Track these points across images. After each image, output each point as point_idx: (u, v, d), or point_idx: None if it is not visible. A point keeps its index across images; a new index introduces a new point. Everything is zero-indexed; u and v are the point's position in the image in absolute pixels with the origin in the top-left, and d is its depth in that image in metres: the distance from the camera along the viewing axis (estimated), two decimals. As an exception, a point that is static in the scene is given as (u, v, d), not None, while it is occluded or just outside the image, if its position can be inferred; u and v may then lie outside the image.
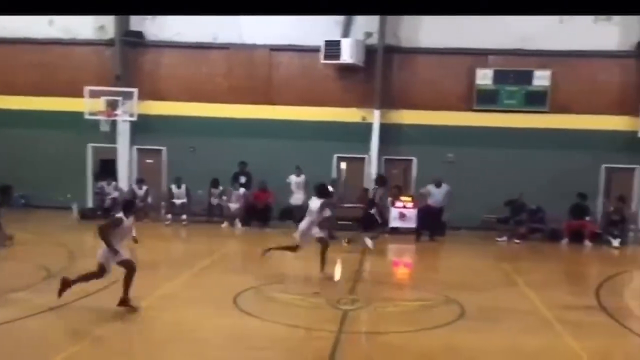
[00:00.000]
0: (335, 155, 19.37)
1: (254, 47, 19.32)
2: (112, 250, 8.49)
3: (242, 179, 18.41)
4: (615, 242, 16.61)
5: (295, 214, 18.10)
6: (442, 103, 18.76)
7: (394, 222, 17.48)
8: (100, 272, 8.60)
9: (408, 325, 8.50)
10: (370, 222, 15.40)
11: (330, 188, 12.42)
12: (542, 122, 18.34)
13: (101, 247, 8.61)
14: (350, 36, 18.64)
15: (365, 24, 18.72)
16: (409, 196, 18.04)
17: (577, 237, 16.93)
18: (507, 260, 14.36)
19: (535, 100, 18.43)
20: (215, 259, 13.78)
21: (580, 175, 17.75)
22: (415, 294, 10.95)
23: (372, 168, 19.03)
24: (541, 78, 18.42)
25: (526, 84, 18.51)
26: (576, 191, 17.16)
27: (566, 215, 17.17)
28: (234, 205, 18.03)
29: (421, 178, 18.69)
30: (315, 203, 11.66)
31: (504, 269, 13.32)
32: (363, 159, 19.25)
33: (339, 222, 16.95)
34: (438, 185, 16.96)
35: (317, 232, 11.67)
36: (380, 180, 16.09)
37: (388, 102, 19.00)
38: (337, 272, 12.11)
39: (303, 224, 11.60)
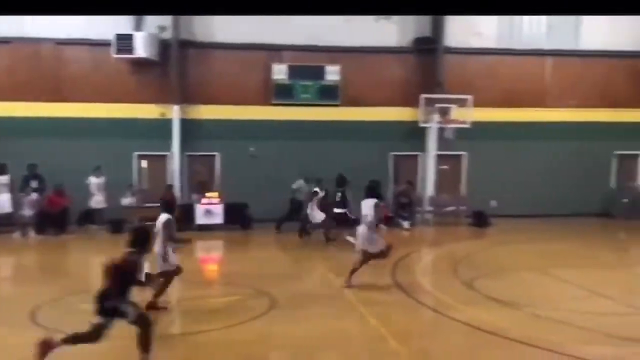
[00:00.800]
0: (136, 154, 18.81)
1: (38, 41, 18.13)
2: (167, 254, 8.94)
3: (34, 183, 17.12)
4: (406, 224, 18.17)
5: (96, 217, 17.38)
6: (241, 98, 19.04)
7: (200, 219, 17.44)
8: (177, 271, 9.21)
9: (220, 322, 8.58)
10: (344, 221, 15.56)
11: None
12: (335, 115, 19.40)
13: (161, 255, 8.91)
14: (143, 30, 18.16)
15: (158, 18, 18.31)
16: (215, 192, 18.09)
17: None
18: (313, 249, 15.03)
19: (328, 94, 19.42)
20: (6, 272, 12.78)
21: (372, 163, 19.07)
22: (226, 290, 11.09)
23: (175, 165, 18.80)
24: (332, 73, 19.44)
25: (319, 79, 19.42)
26: (369, 178, 18.36)
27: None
28: (26, 212, 16.74)
29: (225, 173, 18.91)
30: (368, 204, 10.88)
31: (310, 258, 13.95)
32: (165, 156, 18.91)
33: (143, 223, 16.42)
34: (307, 181, 17.44)
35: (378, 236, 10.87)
36: (341, 180, 16.09)
37: (187, 97, 18.86)
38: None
39: (361, 229, 10.76)
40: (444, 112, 19.23)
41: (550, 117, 20.27)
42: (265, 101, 19.28)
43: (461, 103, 19.07)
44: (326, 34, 18.96)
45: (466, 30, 19.79)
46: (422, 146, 19.98)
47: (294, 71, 19.28)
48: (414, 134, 19.68)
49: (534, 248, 15.44)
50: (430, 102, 19.19)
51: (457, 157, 20.38)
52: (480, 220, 18.79)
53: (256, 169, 18.72)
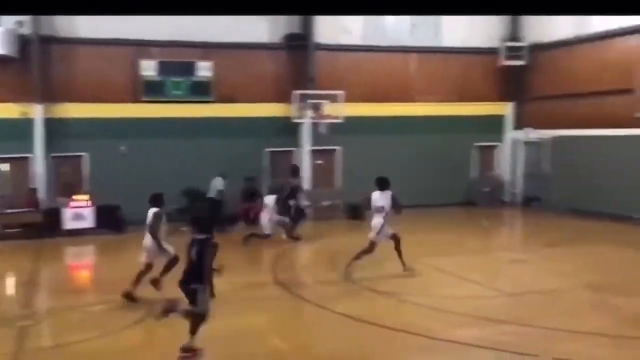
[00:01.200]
0: (-7, 156, 17.61)
1: None
2: (161, 245, 9.58)
3: None
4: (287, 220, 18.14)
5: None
6: (108, 95, 18.30)
7: (68, 224, 16.56)
8: (148, 269, 9.70)
9: (95, 331, 8.28)
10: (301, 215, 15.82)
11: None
12: (209, 112, 19.13)
13: (147, 248, 9.65)
14: (0, 25, 17.00)
15: (16, 12, 17.22)
16: (85, 194, 17.24)
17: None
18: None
19: (200, 91, 19.12)
20: None
21: (247, 159, 19.03)
22: (99, 297, 10.67)
23: (38, 167, 17.77)
24: (204, 69, 19.16)
25: (190, 75, 19.08)
26: (244, 175, 18.34)
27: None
28: None
29: (95, 174, 18.09)
30: (384, 196, 10.94)
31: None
32: (27, 158, 17.81)
33: (6, 230, 15.54)
34: (224, 177, 17.11)
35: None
36: (294, 171, 16.12)
37: (50, 95, 17.87)
38: (10, 285, 11.20)
39: (376, 221, 10.83)
40: (317, 108, 19.55)
41: (415, 111, 21.15)
42: (134, 98, 18.65)
43: (333, 98, 19.45)
44: (197, 30, 18.57)
45: (335, 28, 20.19)
46: (296, 141, 20.20)
47: (163, 67, 18.76)
48: (288, 129, 19.85)
49: (405, 238, 16.02)
50: (303, 98, 19.43)
51: (332, 152, 20.78)
52: (355, 213, 19.26)
53: (128, 168, 18.05)
